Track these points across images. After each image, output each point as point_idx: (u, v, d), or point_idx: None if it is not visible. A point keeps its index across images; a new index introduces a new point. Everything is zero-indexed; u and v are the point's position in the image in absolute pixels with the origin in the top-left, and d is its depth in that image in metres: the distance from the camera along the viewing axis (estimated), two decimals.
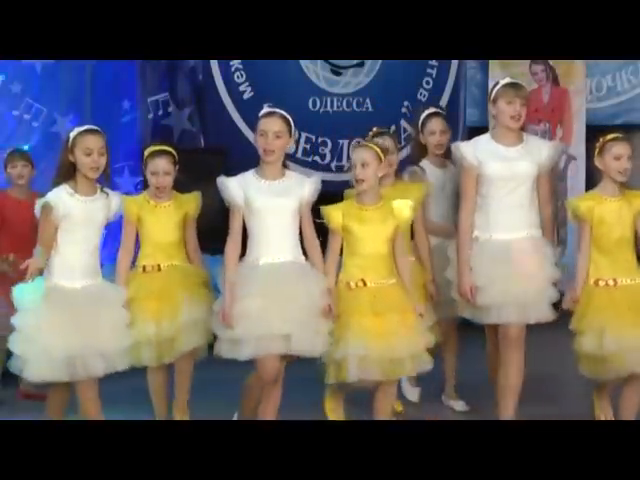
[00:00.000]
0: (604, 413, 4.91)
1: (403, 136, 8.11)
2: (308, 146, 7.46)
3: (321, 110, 7.59)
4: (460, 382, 5.55)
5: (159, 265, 4.89)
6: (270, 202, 4.40)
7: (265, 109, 4.50)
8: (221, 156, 7.03)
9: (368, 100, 7.73)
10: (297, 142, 7.59)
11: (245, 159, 5.98)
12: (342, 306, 4.45)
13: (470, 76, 8.65)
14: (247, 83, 7.36)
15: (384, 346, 4.38)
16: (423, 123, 5.42)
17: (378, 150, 4.52)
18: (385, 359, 4.40)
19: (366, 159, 4.47)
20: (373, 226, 4.50)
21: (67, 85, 6.85)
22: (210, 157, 6.85)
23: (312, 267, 4.45)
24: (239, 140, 7.18)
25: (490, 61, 8.46)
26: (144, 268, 4.90)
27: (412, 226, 5.08)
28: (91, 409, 4.39)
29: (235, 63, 7.31)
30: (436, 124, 5.41)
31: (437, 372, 5.11)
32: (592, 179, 8.52)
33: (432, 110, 5.50)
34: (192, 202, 5.05)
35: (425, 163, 5.36)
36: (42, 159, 6.76)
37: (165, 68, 7.38)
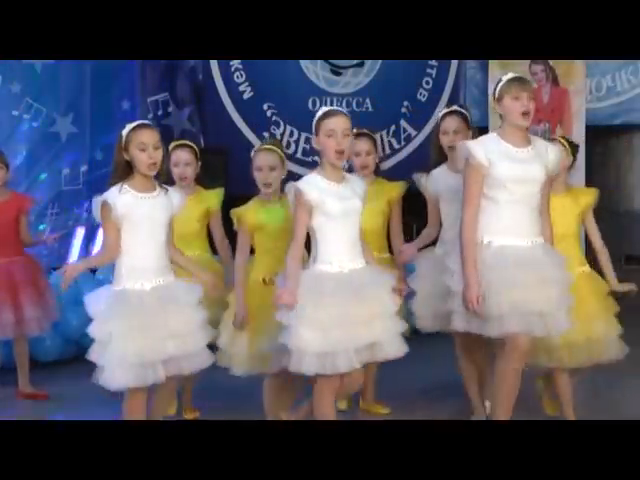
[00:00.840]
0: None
1: (403, 136, 8.13)
2: (308, 146, 7.46)
3: None
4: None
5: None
6: (342, 206, 4.21)
7: (325, 108, 4.30)
8: (221, 156, 7.04)
9: (368, 100, 7.74)
10: (297, 142, 7.60)
11: (245, 159, 6.00)
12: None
13: (470, 76, 8.67)
14: (247, 83, 7.36)
15: None
16: (439, 123, 5.05)
17: (282, 155, 4.73)
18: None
19: (272, 163, 4.68)
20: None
21: (67, 85, 6.85)
22: (210, 157, 6.84)
23: (378, 268, 4.36)
24: (239, 140, 7.19)
25: (490, 61, 8.49)
26: None
27: (388, 224, 5.21)
28: (161, 411, 4.44)
29: (235, 63, 7.32)
30: (449, 123, 4.98)
31: (437, 372, 5.11)
32: (592, 178, 8.58)
33: (448, 109, 5.09)
34: (214, 198, 5.20)
35: (442, 167, 4.99)
36: (41, 159, 6.80)
37: (165, 68, 7.38)
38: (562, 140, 4.94)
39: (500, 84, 4.43)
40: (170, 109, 7.40)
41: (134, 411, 4.24)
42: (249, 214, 4.69)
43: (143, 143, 4.17)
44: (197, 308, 4.30)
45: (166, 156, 4.48)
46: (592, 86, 9.11)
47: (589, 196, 5.00)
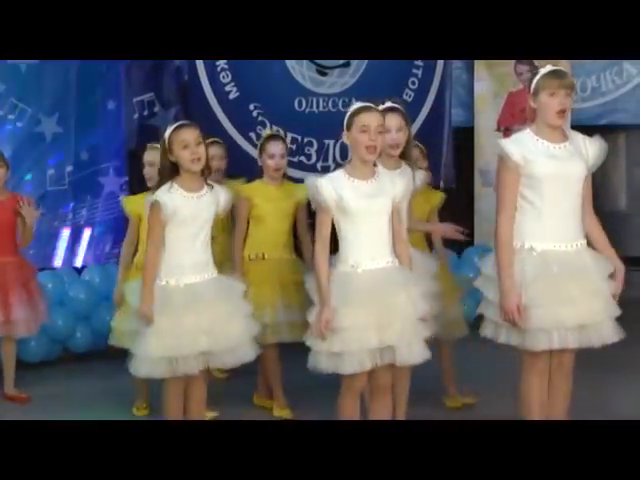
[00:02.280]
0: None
1: None
2: (294, 146, 7.45)
3: (307, 110, 7.58)
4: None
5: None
6: (366, 203, 4.14)
7: (357, 104, 4.25)
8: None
9: (354, 100, 7.68)
10: None
11: (231, 158, 5.99)
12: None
13: (456, 76, 8.67)
14: (233, 83, 7.34)
15: None
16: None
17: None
18: None
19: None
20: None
21: (52, 85, 6.82)
22: None
23: (407, 270, 4.24)
24: (225, 140, 7.17)
25: (475, 61, 8.50)
26: None
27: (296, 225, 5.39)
28: (196, 411, 4.50)
29: (221, 63, 7.30)
30: (391, 120, 4.66)
31: (435, 373, 5.11)
32: None
33: (388, 105, 4.76)
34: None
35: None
36: (26, 159, 6.76)
37: (150, 68, 7.36)
38: (418, 145, 5.12)
39: (537, 77, 4.14)
40: (156, 109, 7.38)
41: (171, 402, 4.43)
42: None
43: (185, 140, 4.30)
44: (236, 303, 4.41)
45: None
46: (577, 86, 9.13)
47: (438, 197, 5.37)
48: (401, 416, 4.92)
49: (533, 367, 4.24)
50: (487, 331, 4.30)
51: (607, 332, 4.22)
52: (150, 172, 5.21)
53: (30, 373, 6.21)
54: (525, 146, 4.13)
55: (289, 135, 7.42)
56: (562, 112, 4.10)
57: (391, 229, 4.21)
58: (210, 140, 5.41)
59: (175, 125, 4.41)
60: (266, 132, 5.79)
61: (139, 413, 5.48)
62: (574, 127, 8.39)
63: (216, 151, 5.62)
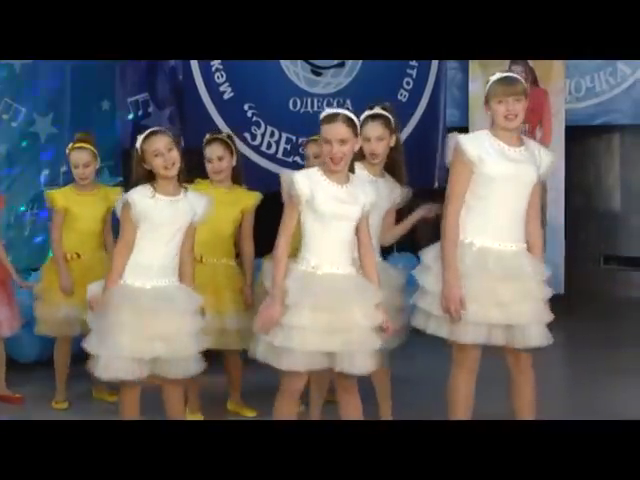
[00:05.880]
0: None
1: None
2: (289, 146, 7.46)
3: (302, 110, 7.59)
4: None
5: None
6: (336, 208, 4.07)
7: (324, 112, 4.20)
8: (201, 156, 7.01)
9: (349, 101, 7.73)
10: (277, 143, 7.60)
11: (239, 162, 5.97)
12: None
13: (450, 77, 8.69)
14: (227, 83, 7.35)
15: None
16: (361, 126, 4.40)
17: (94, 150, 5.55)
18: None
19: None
20: None
21: (46, 85, 6.82)
22: (190, 157, 6.82)
23: (367, 279, 4.15)
24: None
25: (470, 61, 8.51)
26: None
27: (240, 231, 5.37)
28: (175, 412, 4.49)
29: (215, 63, 7.30)
30: (371, 129, 4.63)
31: (432, 373, 5.10)
32: (571, 178, 8.62)
33: (372, 112, 4.72)
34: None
35: (360, 168, 4.45)
36: (21, 159, 6.76)
37: (145, 68, 7.36)
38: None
39: (488, 84, 4.30)
40: (150, 109, 7.37)
41: (128, 405, 4.41)
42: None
43: (156, 149, 4.33)
44: (192, 315, 4.38)
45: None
46: (571, 87, 9.16)
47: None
48: (387, 416, 4.92)
49: (461, 364, 4.31)
50: (418, 321, 4.37)
51: (534, 335, 4.24)
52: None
53: (22, 373, 6.19)
54: (481, 145, 4.24)
55: (283, 135, 7.42)
56: (510, 117, 4.22)
57: (355, 238, 4.15)
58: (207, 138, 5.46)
59: (145, 134, 4.42)
60: (207, 136, 5.57)
61: (58, 406, 5.66)
62: (569, 127, 8.52)
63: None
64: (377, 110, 4.73)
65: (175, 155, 4.37)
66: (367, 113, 4.70)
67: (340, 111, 4.18)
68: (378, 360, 4.18)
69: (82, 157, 5.65)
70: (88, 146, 5.69)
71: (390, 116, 4.71)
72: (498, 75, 4.30)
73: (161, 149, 4.33)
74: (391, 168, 4.75)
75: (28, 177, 6.78)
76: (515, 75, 4.37)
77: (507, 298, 4.19)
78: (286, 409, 4.17)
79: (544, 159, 4.33)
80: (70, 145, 5.74)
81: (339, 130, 4.07)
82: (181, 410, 4.57)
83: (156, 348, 4.28)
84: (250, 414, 5.43)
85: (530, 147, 4.34)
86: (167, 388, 4.47)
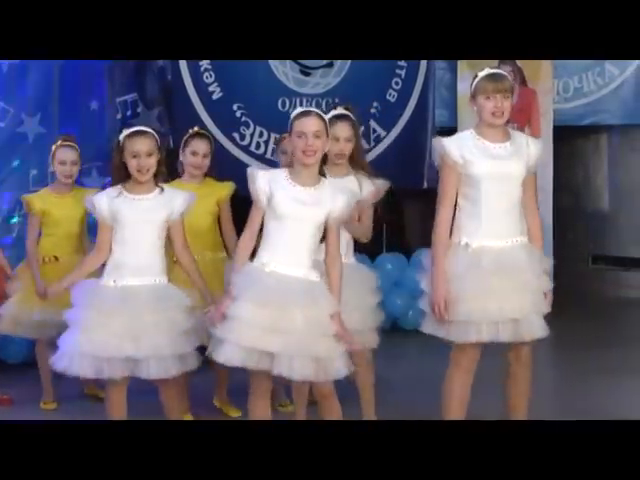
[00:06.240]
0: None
1: (372, 137, 8.14)
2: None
3: (290, 111, 7.54)
4: None
5: None
6: (296, 210, 4.01)
7: (297, 110, 4.16)
8: None
9: (338, 100, 7.73)
10: (266, 143, 7.60)
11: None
12: None
13: (439, 77, 8.69)
14: (216, 83, 7.35)
15: None
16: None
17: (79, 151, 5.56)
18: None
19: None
20: None
21: (34, 85, 6.79)
22: (178, 157, 6.82)
23: (326, 286, 4.05)
24: None
25: (459, 61, 8.52)
26: None
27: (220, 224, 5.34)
28: (173, 412, 4.49)
29: (204, 63, 7.30)
30: (340, 130, 4.65)
31: (429, 374, 5.10)
32: (559, 178, 8.64)
33: (337, 112, 4.74)
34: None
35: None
36: (9, 159, 6.74)
37: (133, 68, 7.34)
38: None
39: (475, 80, 4.30)
40: (139, 109, 7.36)
41: (113, 403, 4.42)
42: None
43: (135, 151, 4.31)
44: (170, 315, 4.33)
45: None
46: (559, 87, 9.18)
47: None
48: (371, 416, 4.91)
49: (458, 364, 4.33)
50: (424, 326, 4.40)
51: (535, 327, 4.27)
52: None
53: (12, 374, 6.18)
54: (465, 145, 4.26)
55: (272, 135, 7.42)
56: (497, 114, 4.23)
57: (318, 242, 4.08)
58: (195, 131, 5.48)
59: (131, 130, 4.40)
60: (194, 129, 5.56)
61: (46, 407, 5.68)
62: (557, 127, 8.53)
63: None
64: (342, 110, 4.78)
65: (152, 162, 4.35)
66: (333, 113, 4.73)
67: (313, 109, 4.21)
68: (338, 366, 4.01)
69: (70, 155, 5.66)
70: (75, 145, 5.71)
71: (353, 117, 4.79)
72: (486, 71, 4.31)
73: (140, 152, 4.32)
74: (358, 165, 4.78)
75: (16, 177, 6.76)
76: (503, 72, 4.38)
77: (497, 289, 4.19)
78: (258, 409, 4.13)
79: (532, 149, 4.33)
80: (58, 142, 5.73)
81: (314, 122, 4.05)
82: (176, 409, 4.55)
83: (125, 348, 4.24)
84: (235, 414, 5.43)
85: (517, 140, 4.34)
86: (160, 388, 4.46)
